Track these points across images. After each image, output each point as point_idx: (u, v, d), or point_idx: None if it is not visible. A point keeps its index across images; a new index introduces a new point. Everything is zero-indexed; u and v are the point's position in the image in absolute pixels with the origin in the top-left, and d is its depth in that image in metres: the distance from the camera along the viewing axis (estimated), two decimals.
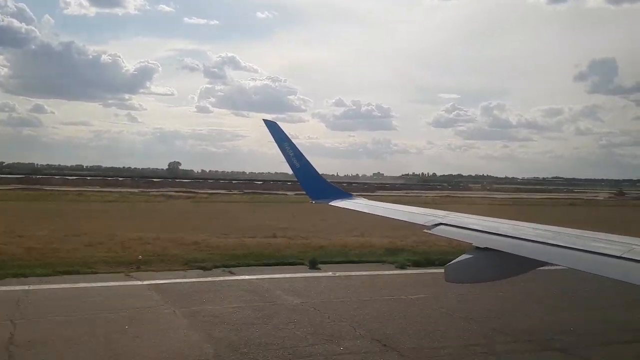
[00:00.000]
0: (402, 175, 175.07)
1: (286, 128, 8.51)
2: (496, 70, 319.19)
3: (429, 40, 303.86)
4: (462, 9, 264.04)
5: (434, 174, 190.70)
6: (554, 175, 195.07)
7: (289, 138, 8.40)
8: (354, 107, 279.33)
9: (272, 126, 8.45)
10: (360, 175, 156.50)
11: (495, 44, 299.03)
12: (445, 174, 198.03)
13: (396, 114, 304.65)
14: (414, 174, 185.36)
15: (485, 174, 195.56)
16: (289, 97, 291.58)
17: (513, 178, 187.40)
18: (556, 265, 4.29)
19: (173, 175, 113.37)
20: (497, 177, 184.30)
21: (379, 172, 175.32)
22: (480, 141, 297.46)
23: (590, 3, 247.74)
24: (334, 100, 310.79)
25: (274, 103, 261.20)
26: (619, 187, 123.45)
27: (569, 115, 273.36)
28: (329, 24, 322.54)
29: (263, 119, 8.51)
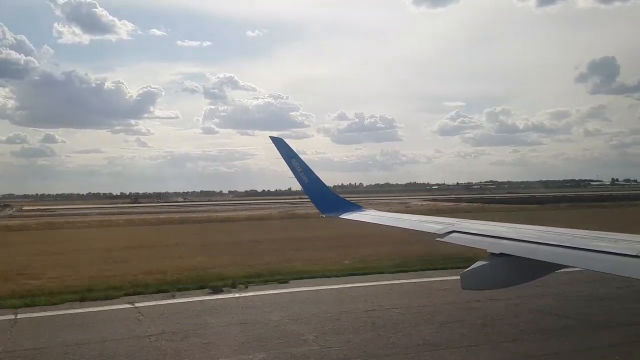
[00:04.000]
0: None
1: (292, 144, 8.54)
2: (497, 75, 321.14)
3: (426, 49, 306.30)
4: (451, 16, 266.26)
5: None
6: (564, 178, 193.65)
7: (296, 154, 8.44)
8: (357, 120, 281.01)
9: (279, 143, 8.48)
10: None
11: (491, 50, 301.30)
12: (461, 182, 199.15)
13: (400, 124, 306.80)
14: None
15: (497, 180, 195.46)
16: (291, 113, 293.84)
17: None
18: (573, 267, 4.30)
19: None
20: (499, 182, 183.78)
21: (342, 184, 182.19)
22: (490, 147, 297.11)
23: (580, 4, 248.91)
24: (336, 114, 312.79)
25: (278, 120, 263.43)
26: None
27: (576, 117, 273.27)
28: (323, 38, 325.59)
29: (270, 136, 8.55)
